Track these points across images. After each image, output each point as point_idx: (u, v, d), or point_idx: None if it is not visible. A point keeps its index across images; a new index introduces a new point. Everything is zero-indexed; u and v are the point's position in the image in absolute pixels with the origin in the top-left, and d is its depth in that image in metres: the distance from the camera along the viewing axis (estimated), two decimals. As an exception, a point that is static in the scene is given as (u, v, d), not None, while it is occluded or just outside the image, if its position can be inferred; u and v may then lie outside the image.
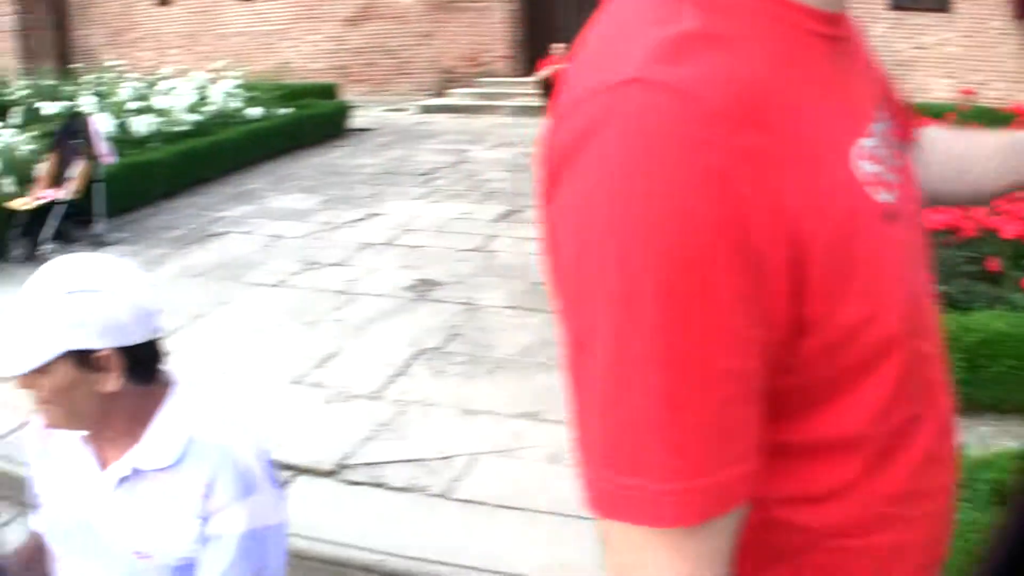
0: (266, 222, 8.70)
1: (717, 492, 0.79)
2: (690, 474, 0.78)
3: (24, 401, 1.62)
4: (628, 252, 0.77)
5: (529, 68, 16.32)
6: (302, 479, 4.05)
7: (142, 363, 1.61)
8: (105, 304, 1.53)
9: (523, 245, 7.53)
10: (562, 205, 0.83)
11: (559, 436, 4.34)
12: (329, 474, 4.08)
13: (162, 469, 1.62)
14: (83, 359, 1.54)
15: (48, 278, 1.56)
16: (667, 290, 0.76)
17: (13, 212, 7.66)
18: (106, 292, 1.55)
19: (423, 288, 6.57)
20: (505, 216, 8.58)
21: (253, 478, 1.64)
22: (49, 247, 7.54)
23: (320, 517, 3.73)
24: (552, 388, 4.85)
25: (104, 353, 1.54)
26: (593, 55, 0.86)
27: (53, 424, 1.65)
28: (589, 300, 0.80)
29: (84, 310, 1.52)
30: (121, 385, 1.57)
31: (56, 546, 1.75)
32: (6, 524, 4.11)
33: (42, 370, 1.54)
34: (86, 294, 1.53)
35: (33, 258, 7.49)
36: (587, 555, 3.43)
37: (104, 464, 1.67)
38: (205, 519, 1.60)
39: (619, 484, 0.79)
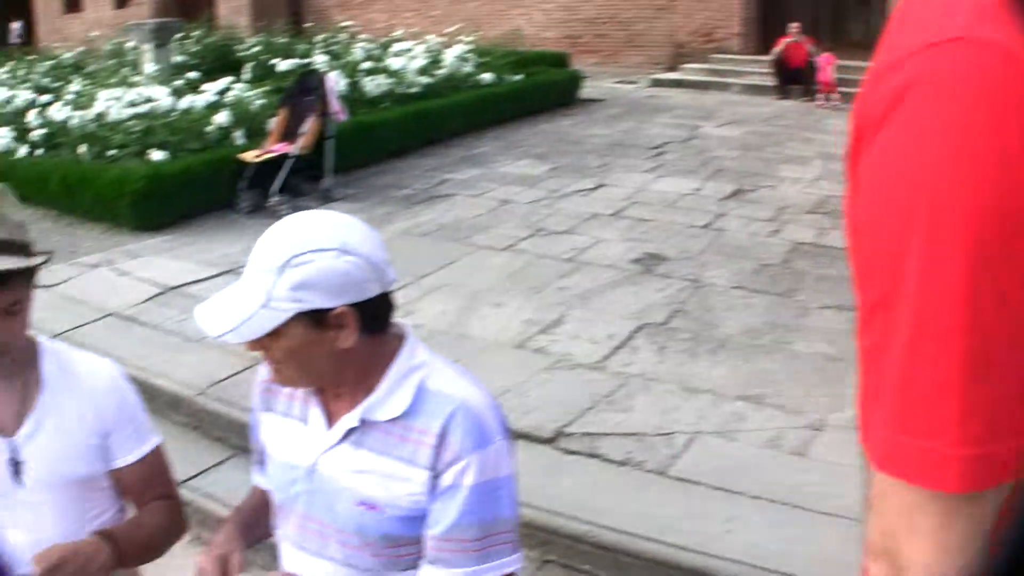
0: (494, 186, 8.88)
1: (1002, 461, 0.80)
2: (982, 441, 0.79)
3: (243, 350, 1.68)
4: (940, 211, 0.76)
5: (762, 46, 15.98)
6: (519, 444, 4.11)
7: (376, 316, 1.62)
8: (337, 262, 1.53)
9: (752, 225, 7.41)
10: (873, 162, 0.83)
11: (779, 421, 4.27)
12: (547, 441, 4.14)
13: (393, 420, 1.64)
14: (317, 318, 1.55)
15: (277, 239, 1.57)
16: (976, 252, 0.76)
17: (244, 164, 8.10)
18: (337, 250, 1.54)
19: (649, 262, 6.56)
20: (734, 195, 8.44)
21: (486, 429, 1.65)
22: (277, 199, 7.95)
23: (533, 483, 3.78)
24: (775, 372, 4.77)
25: (339, 311, 1.55)
26: (912, 18, 0.86)
27: (286, 383, 1.69)
28: (892, 260, 0.80)
29: (316, 270, 1.53)
30: (355, 340, 1.59)
31: (280, 500, 1.81)
32: (220, 464, 4.41)
33: (275, 333, 1.56)
34: (317, 253, 1.53)
35: (261, 210, 7.92)
36: (796, 544, 3.37)
37: (332, 417, 1.71)
38: (436, 470, 1.61)
39: (911, 445, 0.81)
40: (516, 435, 4.08)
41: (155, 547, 2.11)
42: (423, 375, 1.67)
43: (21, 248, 1.92)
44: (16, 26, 29.01)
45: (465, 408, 1.64)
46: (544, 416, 4.33)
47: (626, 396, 4.56)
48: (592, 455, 4.04)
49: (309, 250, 1.52)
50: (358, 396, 1.67)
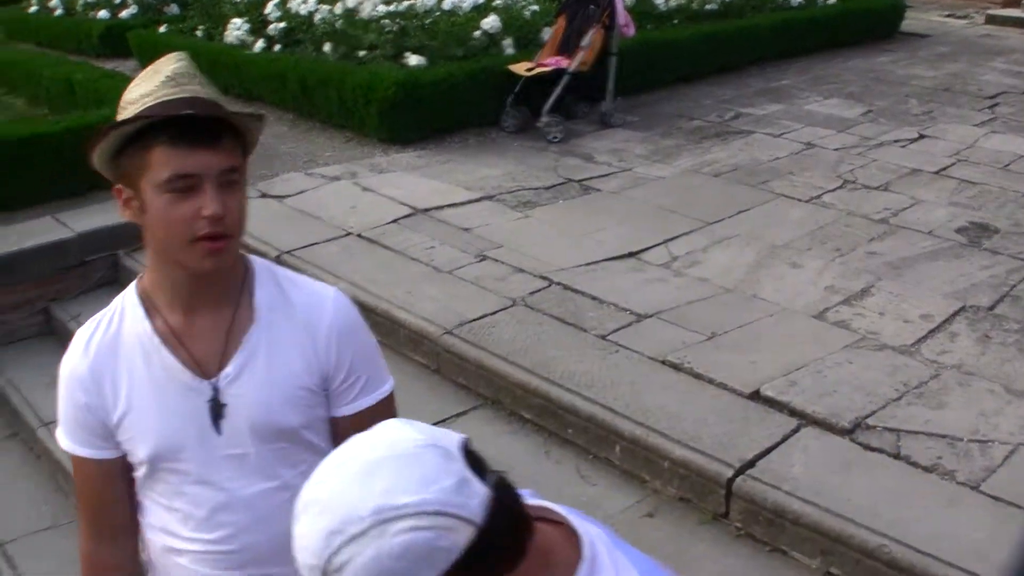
0: (797, 126, 8.68)
1: None
2: None
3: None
4: None
5: None
6: (810, 430, 4.04)
7: (495, 560, 1.31)
8: (382, 545, 1.23)
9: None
10: None
11: None
12: (844, 432, 4.04)
13: None
14: None
15: (305, 532, 1.29)
16: None
17: (512, 77, 8.16)
18: (374, 526, 1.23)
19: (976, 233, 6.26)
20: (1087, 162, 7.93)
21: None
22: (547, 120, 7.98)
23: (823, 480, 3.71)
24: None
25: None
26: None
27: None
28: None
29: (362, 570, 1.24)
30: None
31: None
32: (460, 415, 4.53)
33: None
34: (351, 544, 1.24)
35: (528, 130, 8.00)
36: None
37: None
38: None
39: None
40: (807, 420, 4.07)
41: None
42: None
43: (227, 112, 1.91)
44: None
45: None
46: (842, 402, 4.22)
47: (939, 390, 4.38)
48: (893, 455, 3.90)
49: (341, 543, 1.24)
50: None
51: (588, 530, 1.46)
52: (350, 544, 1.23)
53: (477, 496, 1.25)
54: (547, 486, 3.92)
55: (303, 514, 1.29)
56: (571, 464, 4.18)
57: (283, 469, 2.06)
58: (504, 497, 1.30)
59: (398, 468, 1.26)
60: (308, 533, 1.27)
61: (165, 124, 1.83)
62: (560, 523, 1.46)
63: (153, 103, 1.86)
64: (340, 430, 2.07)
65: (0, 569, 4.53)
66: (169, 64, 1.93)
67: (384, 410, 2.12)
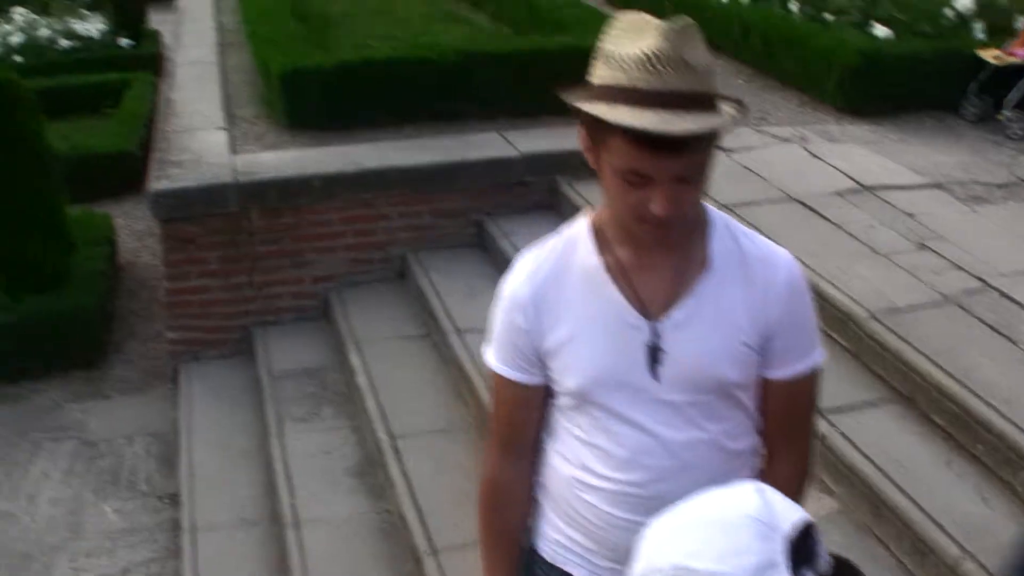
0: None
1: None
2: None
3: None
4: None
5: None
6: None
7: None
8: None
9: None
10: None
11: None
12: None
13: None
14: None
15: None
16: None
17: (980, 63, 7.78)
18: None
19: None
20: None
21: None
22: (1008, 115, 7.58)
23: None
24: None
25: None
26: None
27: None
28: None
29: None
30: None
31: None
32: (869, 406, 4.48)
33: None
34: None
35: (988, 121, 7.64)
36: None
37: None
38: None
39: None
40: None
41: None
42: None
43: (704, 102, 1.86)
44: None
45: None
46: None
47: None
48: None
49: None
50: None
51: None
52: None
53: None
54: (942, 498, 3.88)
55: (639, 539, 1.36)
56: (972, 481, 4.05)
57: (709, 423, 2.09)
58: None
59: (713, 533, 1.27)
60: (634, 558, 1.34)
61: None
62: None
63: (623, 86, 1.83)
64: (771, 392, 2.14)
65: (387, 462, 4.94)
66: (656, 33, 1.84)
67: (812, 380, 2.17)
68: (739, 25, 8.81)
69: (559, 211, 6.36)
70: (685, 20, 1.90)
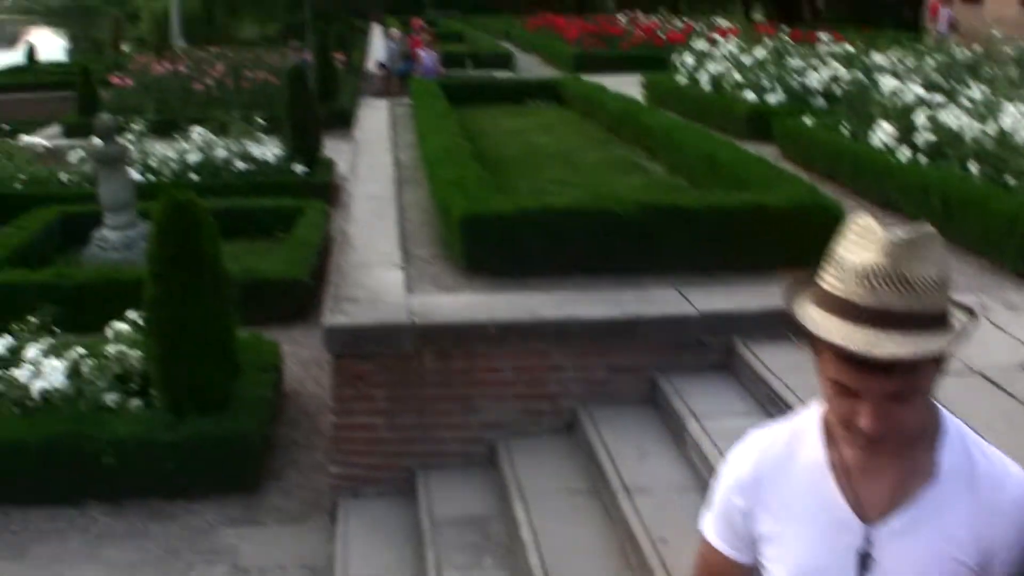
0: None
1: None
2: None
3: None
4: None
5: None
6: None
7: None
8: None
9: None
10: None
11: None
12: None
13: None
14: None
15: None
16: None
17: None
18: None
19: None
20: None
21: None
22: None
23: None
24: None
25: None
26: None
27: None
28: None
29: None
30: None
31: None
32: None
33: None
34: None
35: None
36: None
37: None
38: None
39: None
40: None
41: None
42: None
43: (925, 321, 1.84)
44: (945, 13, 26.73)
45: None
46: None
47: None
48: None
49: None
50: None
51: None
52: None
53: None
54: None
55: None
56: None
57: None
58: None
59: None
60: None
61: None
62: None
63: (840, 297, 1.84)
64: None
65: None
66: (878, 247, 1.84)
67: None
68: (918, 186, 8.63)
69: (735, 372, 6.24)
70: (921, 230, 1.87)
